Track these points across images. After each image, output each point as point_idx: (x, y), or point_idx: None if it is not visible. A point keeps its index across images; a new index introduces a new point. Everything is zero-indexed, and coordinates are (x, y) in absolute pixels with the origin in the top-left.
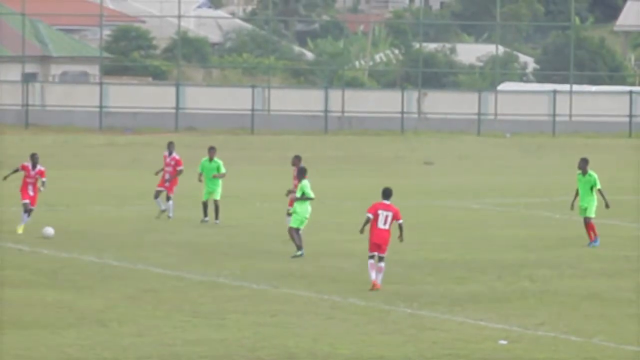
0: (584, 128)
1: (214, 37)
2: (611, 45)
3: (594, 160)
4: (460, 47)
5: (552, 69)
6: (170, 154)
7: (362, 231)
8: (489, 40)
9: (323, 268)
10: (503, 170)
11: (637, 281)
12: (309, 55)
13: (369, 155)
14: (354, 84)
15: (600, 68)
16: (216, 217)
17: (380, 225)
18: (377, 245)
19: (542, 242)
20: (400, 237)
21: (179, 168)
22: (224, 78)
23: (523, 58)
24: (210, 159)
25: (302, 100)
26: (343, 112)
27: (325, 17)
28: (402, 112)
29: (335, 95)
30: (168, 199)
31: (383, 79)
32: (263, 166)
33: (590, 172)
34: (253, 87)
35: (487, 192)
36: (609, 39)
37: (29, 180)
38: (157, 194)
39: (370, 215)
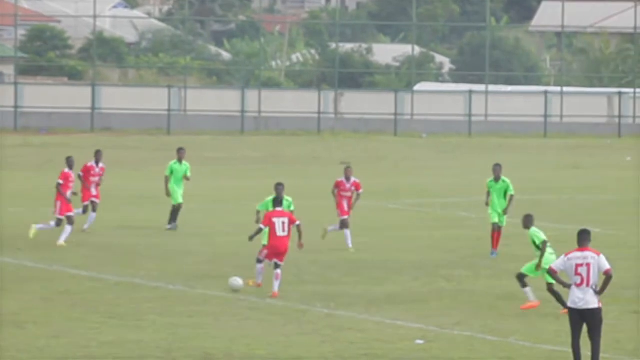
0: (500, 128)
1: (130, 37)
2: (526, 45)
3: (509, 160)
4: (377, 48)
5: (468, 69)
6: (97, 163)
7: (251, 239)
8: (405, 41)
9: (239, 269)
10: (420, 170)
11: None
12: (226, 55)
13: (286, 156)
14: (270, 84)
15: (515, 68)
16: (174, 220)
17: (279, 233)
18: (277, 253)
19: (458, 243)
20: (300, 243)
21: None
22: (140, 78)
23: (439, 58)
24: (180, 161)
25: (219, 101)
26: (260, 112)
27: (241, 18)
28: (319, 113)
29: (251, 95)
30: (94, 209)
31: (300, 79)
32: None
33: (504, 178)
34: (169, 87)
35: (404, 192)
36: (524, 40)
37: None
38: (85, 210)
39: (262, 227)
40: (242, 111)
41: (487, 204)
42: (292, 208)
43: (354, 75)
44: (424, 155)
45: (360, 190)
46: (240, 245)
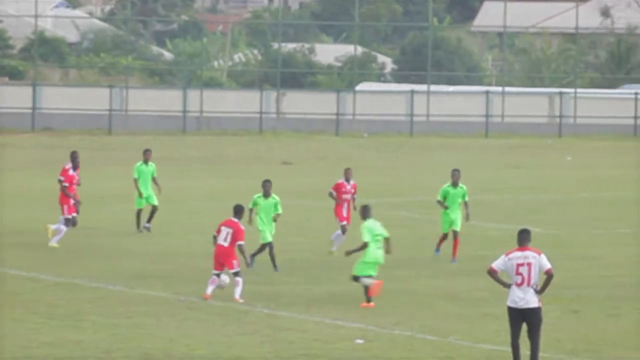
0: (442, 128)
1: (72, 37)
2: (468, 45)
3: (451, 160)
4: (319, 48)
5: (410, 69)
6: (75, 169)
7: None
8: (347, 41)
9: (181, 269)
10: (361, 170)
11: (490, 280)
12: (168, 55)
13: (228, 156)
14: (212, 84)
15: (457, 68)
16: (149, 221)
17: (220, 241)
18: (219, 263)
19: (399, 242)
20: (246, 262)
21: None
22: (81, 78)
23: (381, 58)
24: (146, 162)
25: (161, 101)
26: (201, 112)
27: (183, 17)
28: (261, 112)
29: (193, 95)
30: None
31: (242, 79)
32: (121, 167)
33: (461, 184)
34: (111, 87)
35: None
36: (466, 40)
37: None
38: (74, 222)
39: (215, 234)
40: (184, 111)
41: (446, 207)
42: (278, 208)
43: (296, 75)
44: (365, 155)
45: (356, 194)
46: (181, 245)
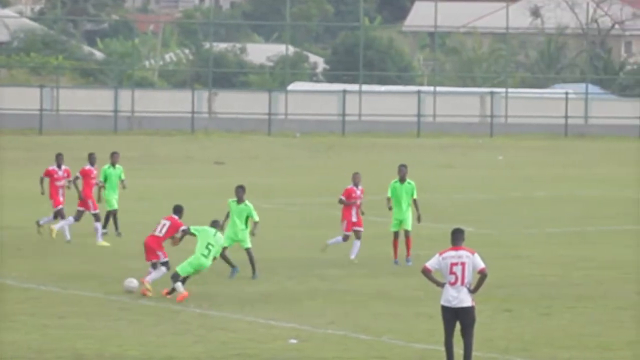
0: (374, 127)
1: (1, 36)
2: (400, 45)
3: (383, 160)
4: (251, 47)
5: (342, 69)
6: (60, 166)
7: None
8: (279, 40)
9: (112, 269)
10: (294, 170)
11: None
12: (99, 55)
13: (160, 155)
14: (143, 84)
15: (389, 68)
16: (115, 227)
17: (155, 232)
18: (150, 251)
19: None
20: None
21: (71, 179)
22: (11, 78)
23: (313, 58)
24: (113, 165)
25: (92, 100)
26: (133, 112)
27: (114, 17)
28: (193, 112)
29: (125, 95)
30: (62, 216)
31: (173, 79)
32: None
33: (409, 180)
34: (41, 87)
35: (278, 191)
36: (397, 40)
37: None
38: (55, 216)
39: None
40: (115, 111)
41: (390, 208)
42: (253, 216)
43: (227, 75)
44: (297, 154)
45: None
46: (113, 245)
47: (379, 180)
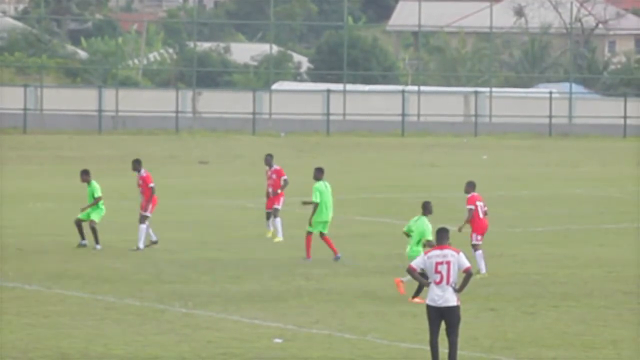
0: (358, 127)
1: None
2: (384, 44)
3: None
4: (235, 47)
5: (326, 68)
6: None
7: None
8: (263, 40)
9: (97, 268)
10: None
11: (409, 279)
12: (83, 54)
13: (144, 155)
14: (128, 83)
15: (373, 67)
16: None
17: None
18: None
19: (316, 241)
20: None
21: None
22: None
23: (297, 57)
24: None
25: (76, 100)
26: (117, 111)
27: (98, 16)
28: (177, 112)
29: (109, 94)
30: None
31: (157, 78)
32: (36, 166)
33: (326, 182)
34: (25, 86)
35: (262, 191)
36: (382, 39)
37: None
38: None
39: None
40: (100, 110)
41: (313, 212)
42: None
43: (212, 74)
44: (282, 154)
45: None
46: (101, 244)
47: (362, 179)
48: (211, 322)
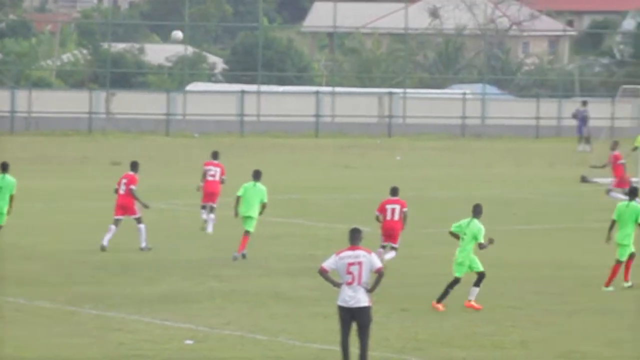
0: (272, 128)
1: None
2: (299, 46)
3: (282, 160)
4: (149, 48)
5: (241, 69)
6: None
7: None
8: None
9: (8, 271)
10: (192, 170)
11: (319, 280)
12: None
13: (57, 156)
14: (41, 84)
15: (288, 68)
16: None
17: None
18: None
19: (229, 242)
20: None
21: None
22: None
23: (212, 58)
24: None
25: None
26: (30, 112)
27: (12, 17)
28: (90, 113)
29: (22, 95)
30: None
31: (71, 79)
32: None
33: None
34: None
35: (176, 192)
36: (297, 40)
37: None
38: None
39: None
40: (12, 111)
41: (236, 214)
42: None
43: (126, 75)
44: (196, 155)
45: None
46: (9, 247)
47: (276, 180)
48: (123, 324)
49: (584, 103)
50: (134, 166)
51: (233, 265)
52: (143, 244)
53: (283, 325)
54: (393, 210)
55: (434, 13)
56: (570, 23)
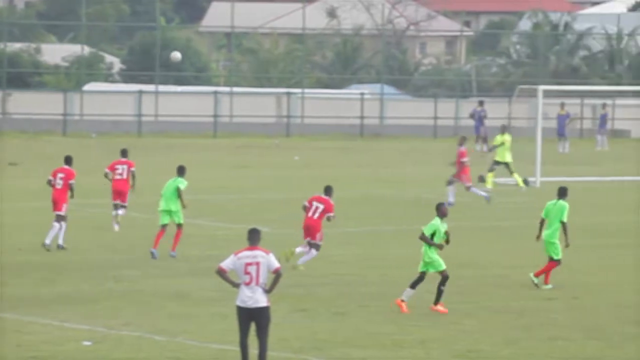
0: (170, 128)
1: None
2: (197, 45)
3: (180, 160)
4: (46, 47)
5: (139, 69)
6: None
7: None
8: (74, 41)
9: None
10: (90, 170)
11: (218, 280)
12: None
13: None
14: None
15: (186, 68)
16: None
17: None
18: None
19: (127, 243)
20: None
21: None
22: None
23: (109, 58)
24: None
25: None
26: None
27: None
28: None
29: None
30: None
31: None
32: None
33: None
34: None
35: (74, 192)
36: (195, 40)
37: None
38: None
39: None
40: None
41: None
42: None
43: (22, 75)
44: (94, 155)
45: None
46: None
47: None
48: (20, 326)
49: (481, 103)
50: (69, 160)
51: (131, 266)
52: (60, 241)
53: (182, 325)
54: (317, 208)
55: (332, 13)
56: (467, 23)
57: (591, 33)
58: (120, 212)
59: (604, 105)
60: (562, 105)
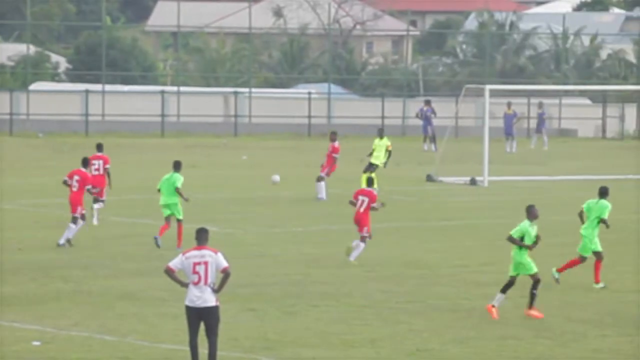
0: (118, 128)
1: None
2: (144, 45)
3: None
4: None
5: (85, 68)
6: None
7: None
8: (20, 40)
9: None
10: (36, 170)
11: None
12: None
13: None
14: None
15: (132, 68)
16: None
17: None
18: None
19: (75, 243)
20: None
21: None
22: None
23: (55, 58)
24: None
25: None
26: None
27: None
28: None
29: None
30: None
31: None
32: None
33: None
34: None
35: (21, 192)
36: (141, 39)
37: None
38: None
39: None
40: None
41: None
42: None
43: None
44: (40, 155)
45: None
46: None
47: (122, 180)
48: None
49: (427, 102)
50: (85, 162)
51: (79, 266)
52: (61, 240)
53: (131, 325)
54: (362, 201)
55: (278, 12)
56: (413, 23)
57: (537, 33)
58: (97, 205)
59: (540, 105)
60: (509, 104)
